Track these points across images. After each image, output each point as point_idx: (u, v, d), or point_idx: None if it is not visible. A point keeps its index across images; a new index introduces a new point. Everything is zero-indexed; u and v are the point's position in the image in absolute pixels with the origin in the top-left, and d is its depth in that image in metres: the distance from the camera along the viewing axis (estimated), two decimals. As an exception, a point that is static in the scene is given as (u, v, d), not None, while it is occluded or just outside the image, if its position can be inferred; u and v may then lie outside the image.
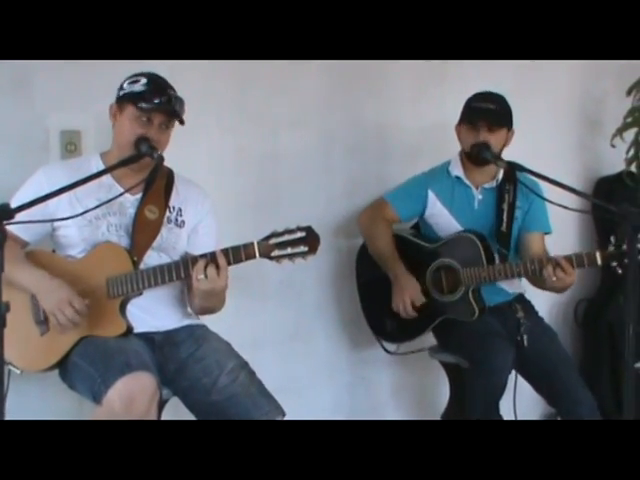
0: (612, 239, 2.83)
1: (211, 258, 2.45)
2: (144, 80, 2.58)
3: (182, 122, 2.61)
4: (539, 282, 3.13)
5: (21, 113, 2.99)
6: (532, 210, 3.32)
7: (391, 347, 3.52)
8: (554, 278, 2.92)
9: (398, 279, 3.24)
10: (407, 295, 3.21)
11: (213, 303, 2.63)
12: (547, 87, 4.05)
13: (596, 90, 4.29)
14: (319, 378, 3.70)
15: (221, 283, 2.45)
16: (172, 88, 2.61)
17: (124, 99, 2.58)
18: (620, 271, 2.73)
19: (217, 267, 2.43)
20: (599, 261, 2.89)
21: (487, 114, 3.14)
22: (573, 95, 4.24)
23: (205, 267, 2.43)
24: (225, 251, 2.45)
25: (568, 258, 2.93)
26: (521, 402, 3.25)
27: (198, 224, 2.76)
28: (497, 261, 3.16)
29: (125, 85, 2.60)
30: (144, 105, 2.54)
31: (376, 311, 3.47)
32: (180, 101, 2.60)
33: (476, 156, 3.15)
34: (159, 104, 2.55)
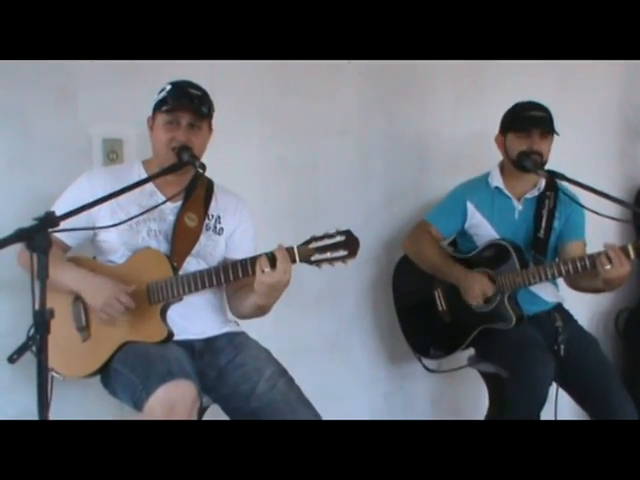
0: None
1: (272, 255, 2.41)
2: (169, 87, 2.63)
3: (209, 119, 2.65)
4: (584, 281, 3.10)
5: (64, 123, 3.03)
6: (572, 219, 3.28)
7: (432, 364, 3.53)
8: (608, 267, 2.83)
9: (461, 281, 3.21)
10: (478, 290, 3.15)
11: (272, 300, 2.54)
12: (587, 95, 4.04)
13: (636, 97, 4.26)
14: (357, 388, 3.70)
15: (287, 276, 2.41)
16: (197, 88, 2.64)
17: (154, 109, 2.65)
18: None
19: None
20: (632, 254, 2.82)
21: (540, 122, 3.13)
22: (612, 103, 4.22)
23: (270, 262, 2.40)
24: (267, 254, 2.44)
25: (622, 247, 2.84)
26: (561, 413, 3.21)
27: (235, 229, 2.77)
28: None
29: (155, 97, 2.65)
30: (167, 107, 2.59)
31: (415, 331, 3.48)
32: (204, 100, 2.63)
33: (524, 164, 3.13)
34: (181, 104, 2.58)
